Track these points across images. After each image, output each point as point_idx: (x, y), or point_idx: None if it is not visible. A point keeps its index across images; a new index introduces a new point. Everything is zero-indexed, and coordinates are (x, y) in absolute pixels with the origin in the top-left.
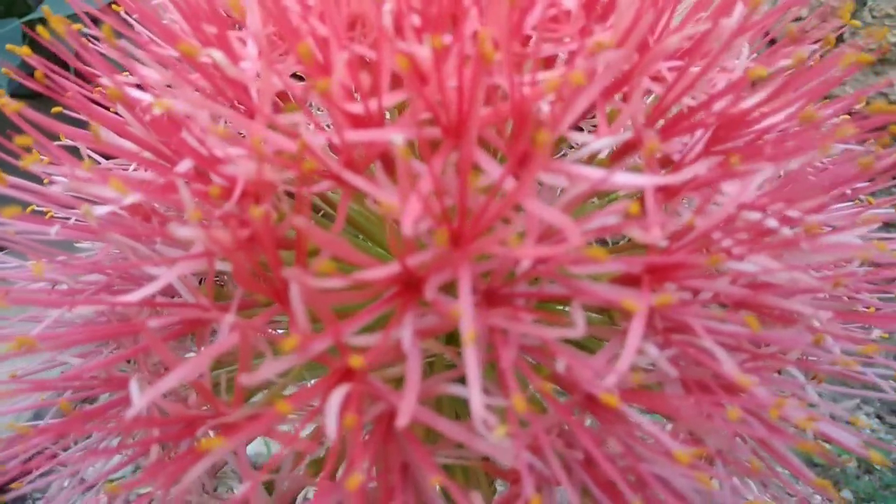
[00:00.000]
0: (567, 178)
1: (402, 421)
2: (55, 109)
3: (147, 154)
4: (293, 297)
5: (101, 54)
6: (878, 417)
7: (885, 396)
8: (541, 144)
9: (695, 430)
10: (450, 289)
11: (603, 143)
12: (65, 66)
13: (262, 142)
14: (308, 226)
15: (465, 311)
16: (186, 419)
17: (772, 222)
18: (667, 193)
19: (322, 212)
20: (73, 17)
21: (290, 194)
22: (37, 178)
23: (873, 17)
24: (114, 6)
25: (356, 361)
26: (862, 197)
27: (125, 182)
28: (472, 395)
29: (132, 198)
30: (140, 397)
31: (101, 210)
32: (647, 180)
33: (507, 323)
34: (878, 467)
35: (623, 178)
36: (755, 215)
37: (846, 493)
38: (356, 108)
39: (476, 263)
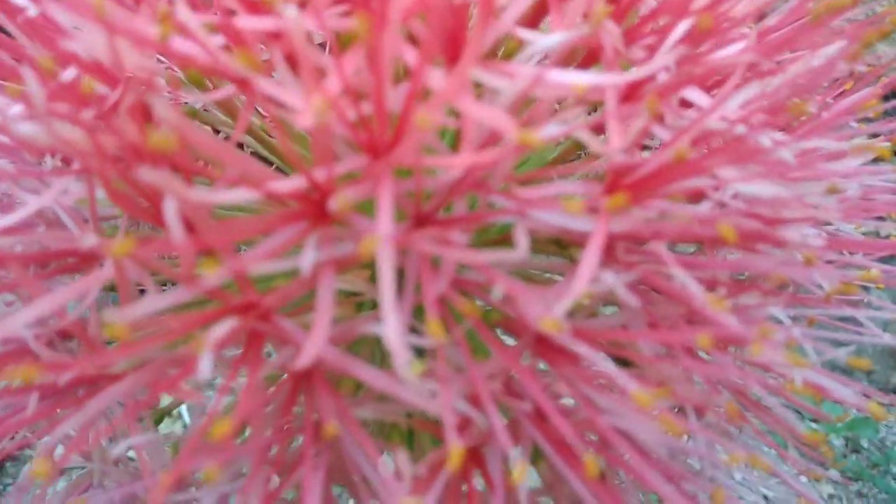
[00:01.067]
0: (508, 79)
1: (303, 360)
2: None
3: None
4: (167, 211)
5: None
6: (866, 397)
7: (881, 341)
8: (471, 31)
9: (660, 375)
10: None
11: (552, 40)
12: None
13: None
14: (182, 123)
15: (382, 229)
16: (64, 366)
17: (747, 131)
18: (629, 99)
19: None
20: None
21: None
22: None
23: None
24: None
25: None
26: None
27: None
28: (385, 322)
29: None
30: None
31: None
32: (605, 78)
33: (435, 246)
34: (865, 446)
35: (574, 77)
36: (739, 128)
37: (833, 473)
38: None
39: (402, 181)
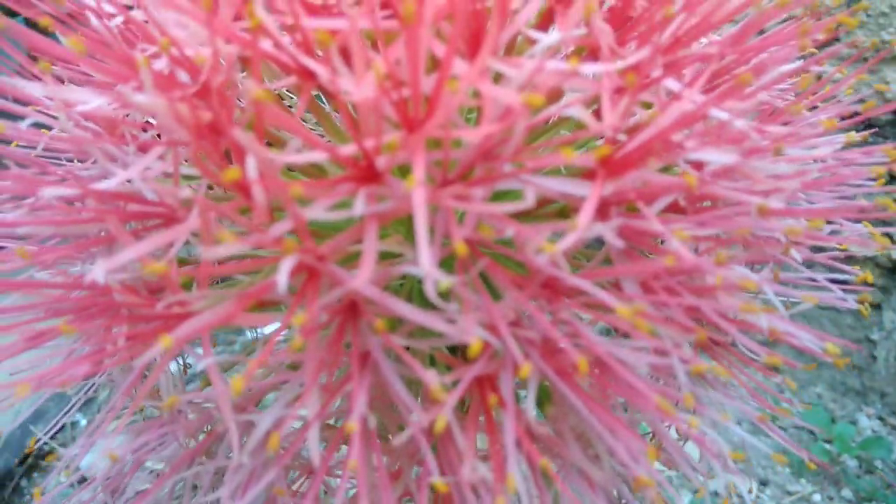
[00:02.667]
0: (516, 69)
1: (359, 281)
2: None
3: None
4: (248, 167)
5: None
6: (880, 419)
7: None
8: (489, 29)
9: (641, 300)
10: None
11: (553, 38)
12: None
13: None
14: (264, 96)
15: (417, 184)
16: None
17: (723, 116)
18: (622, 92)
19: None
20: None
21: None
22: None
23: (868, 15)
24: None
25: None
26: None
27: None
28: (420, 252)
29: (99, 101)
30: (100, 267)
31: (78, 108)
32: (599, 67)
33: (458, 202)
34: (879, 466)
35: (567, 66)
36: (719, 113)
37: (847, 493)
38: None
39: (432, 151)
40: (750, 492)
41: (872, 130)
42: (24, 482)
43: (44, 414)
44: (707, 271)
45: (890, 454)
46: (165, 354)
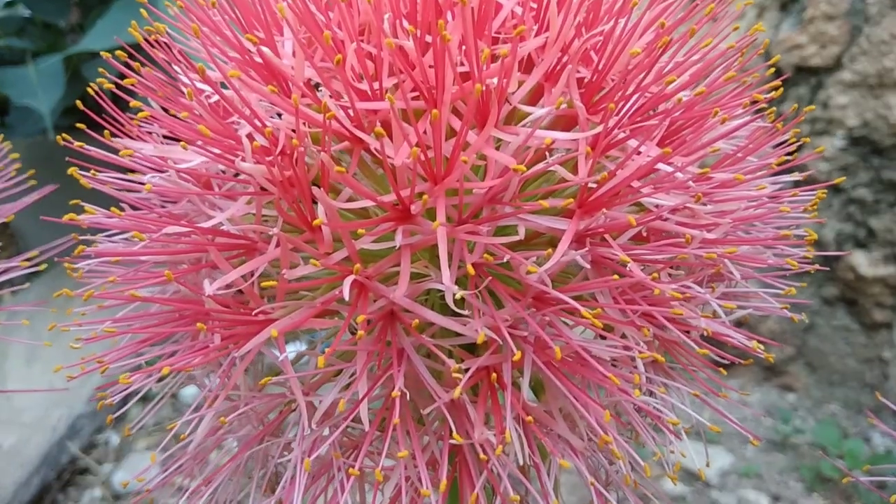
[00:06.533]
0: (513, 135)
1: (397, 294)
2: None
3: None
4: (319, 211)
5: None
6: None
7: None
8: (492, 108)
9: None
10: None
11: (540, 112)
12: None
13: (299, 105)
14: (329, 161)
15: (439, 223)
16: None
17: (668, 168)
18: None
19: None
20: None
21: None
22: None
23: (870, 43)
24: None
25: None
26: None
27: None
28: (443, 272)
29: (199, 160)
30: (210, 286)
31: (181, 165)
32: (572, 135)
33: (469, 236)
34: (890, 481)
35: (551, 134)
36: (664, 167)
37: None
38: (363, 86)
39: (450, 198)
40: None
41: (809, 172)
42: (60, 497)
43: (78, 431)
44: (649, 286)
45: None
46: (248, 353)
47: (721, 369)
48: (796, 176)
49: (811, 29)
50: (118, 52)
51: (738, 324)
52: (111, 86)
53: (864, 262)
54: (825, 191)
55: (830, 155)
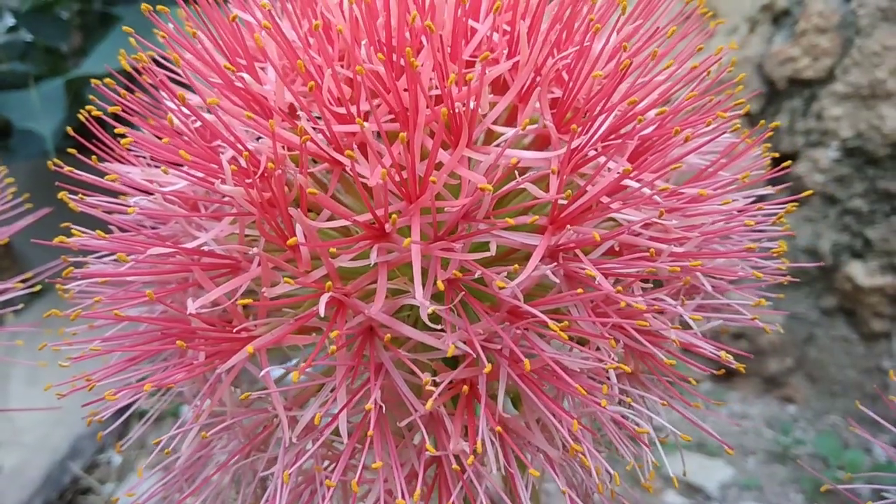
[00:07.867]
0: (484, 155)
1: (373, 310)
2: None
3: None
4: (298, 231)
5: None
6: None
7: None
8: (463, 129)
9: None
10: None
11: (511, 132)
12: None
13: (276, 129)
14: (306, 182)
15: (414, 241)
16: (225, 331)
17: (635, 185)
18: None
19: None
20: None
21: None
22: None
23: (862, 54)
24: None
25: (330, 286)
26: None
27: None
28: (416, 291)
29: (183, 183)
30: (192, 305)
31: (166, 188)
32: (541, 154)
33: (444, 252)
34: (889, 492)
35: (520, 153)
36: (632, 183)
37: None
38: (341, 110)
39: (425, 216)
40: None
41: (786, 185)
42: None
43: (80, 451)
44: (616, 299)
45: None
46: (233, 368)
47: (691, 380)
48: (769, 189)
49: (803, 42)
50: (108, 80)
51: (737, 336)
52: (99, 113)
53: (861, 273)
54: (796, 203)
55: (825, 166)
